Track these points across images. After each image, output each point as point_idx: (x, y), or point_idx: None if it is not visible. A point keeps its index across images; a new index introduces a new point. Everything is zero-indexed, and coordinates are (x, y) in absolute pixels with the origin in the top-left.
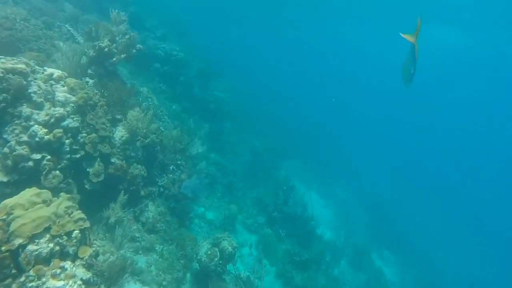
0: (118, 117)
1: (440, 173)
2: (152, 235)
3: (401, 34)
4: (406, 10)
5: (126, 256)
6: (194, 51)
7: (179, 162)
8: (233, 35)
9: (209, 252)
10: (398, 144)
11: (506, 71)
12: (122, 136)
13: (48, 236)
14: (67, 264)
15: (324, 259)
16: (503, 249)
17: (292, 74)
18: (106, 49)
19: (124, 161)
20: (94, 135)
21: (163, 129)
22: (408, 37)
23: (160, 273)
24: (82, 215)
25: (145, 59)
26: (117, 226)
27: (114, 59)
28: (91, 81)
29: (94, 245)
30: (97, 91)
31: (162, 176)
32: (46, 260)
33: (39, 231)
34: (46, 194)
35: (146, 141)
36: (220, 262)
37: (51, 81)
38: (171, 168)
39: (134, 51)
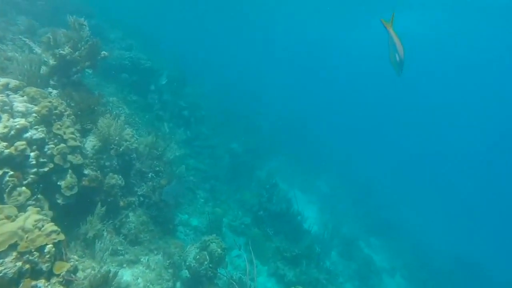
0: (88, 127)
1: (421, 158)
2: (136, 247)
3: (381, 20)
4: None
5: (109, 270)
6: (162, 60)
7: (157, 168)
8: (200, 40)
9: (198, 256)
10: (378, 134)
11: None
12: (94, 146)
13: (15, 253)
14: (41, 283)
15: (314, 252)
16: (488, 227)
17: (265, 72)
18: (68, 57)
19: (98, 171)
20: (62, 145)
21: (137, 137)
22: (385, 24)
23: (148, 285)
24: (55, 227)
25: (111, 70)
26: (96, 240)
27: (78, 67)
28: (54, 92)
29: (71, 260)
30: (62, 101)
31: (141, 185)
32: (13, 281)
33: (2, 249)
34: (10, 209)
35: (121, 149)
36: (211, 265)
37: (7, 92)
38: (149, 175)
39: (99, 57)
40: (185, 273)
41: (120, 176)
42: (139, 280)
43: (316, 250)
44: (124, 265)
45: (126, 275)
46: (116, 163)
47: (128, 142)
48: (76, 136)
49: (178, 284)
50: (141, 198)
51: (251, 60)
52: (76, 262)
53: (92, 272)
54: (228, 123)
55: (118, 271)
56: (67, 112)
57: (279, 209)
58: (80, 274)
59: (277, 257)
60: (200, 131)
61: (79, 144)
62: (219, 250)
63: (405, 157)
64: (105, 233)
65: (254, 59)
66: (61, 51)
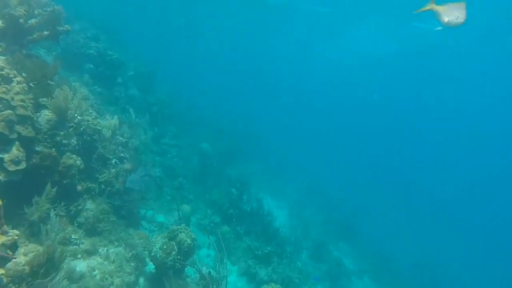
0: (43, 102)
1: (384, 164)
2: (94, 237)
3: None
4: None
5: (54, 246)
6: (130, 54)
7: (122, 155)
8: (170, 39)
9: (164, 246)
10: (344, 140)
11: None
12: (50, 120)
13: None
14: None
15: (286, 250)
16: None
17: (234, 76)
18: (21, 20)
19: (53, 149)
20: (9, 111)
21: (100, 121)
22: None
23: (106, 277)
24: None
25: (75, 59)
26: (42, 224)
27: (34, 36)
28: (1, 57)
29: (10, 234)
30: (11, 67)
31: (103, 171)
32: None
33: None
34: None
35: (81, 128)
36: (179, 257)
37: None
38: (113, 161)
39: (61, 29)
40: (150, 267)
41: (80, 158)
42: (96, 272)
43: (288, 249)
44: (79, 256)
45: (81, 266)
46: (75, 143)
47: (90, 122)
48: (28, 105)
49: (141, 279)
50: (103, 186)
51: (218, 67)
52: (16, 237)
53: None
54: (196, 123)
55: (65, 250)
56: (17, 78)
57: (249, 208)
58: (21, 259)
59: (248, 255)
60: (168, 129)
61: (31, 114)
62: (188, 240)
63: (367, 164)
64: (52, 214)
65: (221, 66)
66: (12, 12)
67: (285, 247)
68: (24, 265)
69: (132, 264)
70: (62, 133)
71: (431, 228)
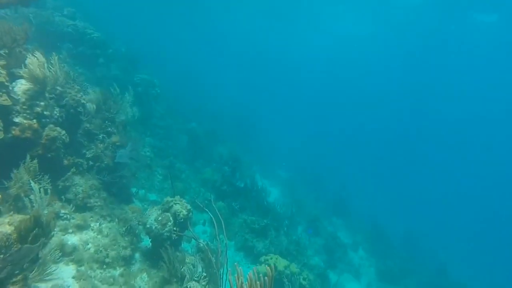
0: (18, 74)
1: (372, 143)
2: (85, 213)
3: None
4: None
5: (43, 210)
6: (111, 34)
7: (109, 129)
8: (154, 21)
9: (160, 218)
10: (329, 120)
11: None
12: (27, 90)
13: None
14: None
15: (283, 223)
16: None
17: (224, 62)
18: None
19: (34, 120)
20: None
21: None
22: None
23: (100, 249)
24: None
25: (51, 39)
26: (22, 195)
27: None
28: None
29: None
30: None
31: (91, 147)
32: None
33: None
34: None
35: (64, 100)
36: (175, 228)
37: None
38: (100, 136)
39: None
40: (146, 242)
41: (64, 131)
42: (89, 246)
43: (285, 222)
44: (70, 230)
45: (73, 240)
46: (58, 115)
47: (72, 94)
48: (0, 71)
49: (137, 254)
50: (91, 162)
51: (206, 51)
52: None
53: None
54: (183, 104)
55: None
56: None
57: (243, 184)
58: (6, 228)
59: (245, 230)
60: (154, 109)
61: (4, 81)
62: (184, 211)
63: (354, 141)
64: (34, 185)
65: (209, 50)
66: None
67: (281, 221)
68: (10, 233)
69: (126, 238)
70: (42, 103)
71: (420, 200)
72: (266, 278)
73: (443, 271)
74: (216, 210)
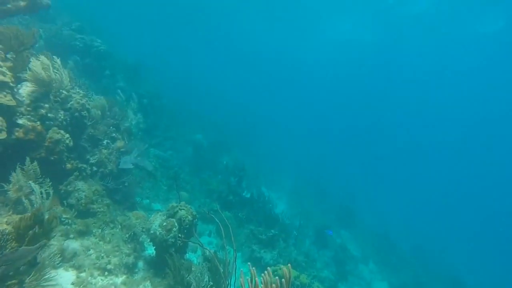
0: (24, 77)
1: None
2: (87, 219)
3: None
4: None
5: (44, 209)
6: (118, 46)
7: (114, 135)
8: (159, 33)
9: (164, 223)
10: (332, 130)
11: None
12: (32, 92)
13: None
14: None
15: (291, 233)
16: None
17: (225, 71)
18: None
19: (38, 122)
20: None
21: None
22: None
23: (102, 255)
24: None
25: (59, 51)
26: (23, 198)
27: (9, 5)
28: None
29: None
30: None
31: (95, 153)
32: None
33: None
34: None
35: (69, 103)
36: (180, 235)
37: None
38: (105, 142)
39: (39, 0)
40: (150, 251)
41: (68, 135)
42: (91, 252)
43: (293, 233)
44: (71, 236)
45: (74, 246)
46: (62, 118)
47: (77, 98)
48: (6, 73)
49: (140, 263)
50: (94, 168)
51: (210, 60)
52: None
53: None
54: (188, 116)
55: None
56: None
57: (249, 195)
58: (3, 227)
59: (252, 240)
60: (160, 120)
61: (9, 82)
62: (189, 217)
63: (359, 153)
64: (35, 186)
65: (212, 58)
66: None
67: (289, 232)
68: (9, 232)
69: (129, 245)
70: (46, 105)
71: (428, 210)
72: (283, 280)
73: (458, 282)
74: (224, 218)
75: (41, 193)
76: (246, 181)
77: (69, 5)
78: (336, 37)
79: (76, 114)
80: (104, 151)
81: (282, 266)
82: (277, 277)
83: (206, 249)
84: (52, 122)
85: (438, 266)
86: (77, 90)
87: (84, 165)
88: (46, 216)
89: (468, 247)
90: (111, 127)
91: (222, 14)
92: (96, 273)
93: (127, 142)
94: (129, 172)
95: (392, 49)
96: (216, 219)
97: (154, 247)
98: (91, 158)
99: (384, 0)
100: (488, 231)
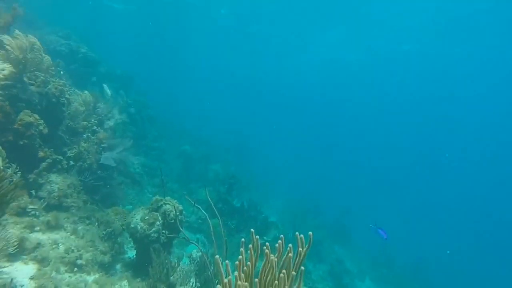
0: None
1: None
2: (59, 212)
3: None
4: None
5: None
6: (105, 56)
7: (95, 128)
8: (148, 46)
9: (146, 217)
10: (323, 145)
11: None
12: (3, 69)
13: None
14: None
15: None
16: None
17: (216, 89)
18: None
19: (7, 102)
20: None
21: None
22: None
23: (72, 249)
24: None
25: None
26: None
27: None
28: None
29: None
30: None
31: (73, 146)
32: None
33: None
34: None
35: (46, 88)
36: (164, 231)
37: None
38: (85, 136)
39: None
40: (131, 254)
41: (43, 121)
42: (59, 246)
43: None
44: (37, 229)
45: (38, 237)
46: (37, 101)
47: (56, 83)
48: None
49: (118, 265)
50: (71, 162)
51: (195, 73)
52: None
53: None
54: (176, 127)
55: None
56: None
57: (239, 204)
58: None
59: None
60: (148, 131)
61: None
62: (175, 211)
63: (350, 166)
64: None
65: (197, 72)
66: None
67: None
68: None
69: (106, 244)
70: (19, 85)
71: (422, 224)
72: (300, 249)
73: None
74: (216, 211)
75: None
76: (236, 190)
77: (61, 18)
78: (326, 56)
79: (53, 100)
80: (84, 144)
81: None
82: (290, 244)
83: (194, 243)
84: (24, 104)
85: (438, 283)
86: (60, 78)
87: (60, 157)
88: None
89: (467, 260)
90: (93, 120)
91: (211, 29)
92: (62, 268)
93: (110, 138)
94: (111, 172)
95: (385, 66)
96: (204, 212)
97: (135, 246)
98: (68, 152)
99: (369, 15)
100: (489, 243)
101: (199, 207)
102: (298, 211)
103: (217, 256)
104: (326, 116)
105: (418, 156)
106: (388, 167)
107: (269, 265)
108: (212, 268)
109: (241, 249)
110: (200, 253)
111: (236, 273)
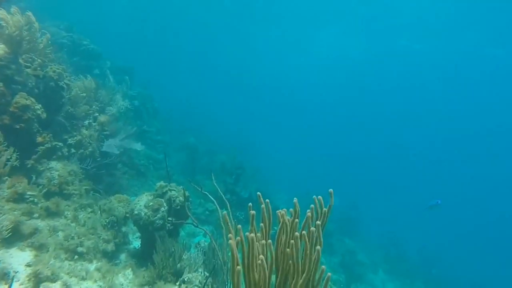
0: None
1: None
2: (59, 199)
3: None
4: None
5: None
6: (108, 49)
7: (96, 114)
8: (153, 38)
9: (151, 203)
10: (326, 138)
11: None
12: None
13: None
14: None
15: None
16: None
17: (211, 78)
18: None
19: (1, 83)
20: None
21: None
22: None
23: (73, 236)
24: None
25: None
26: None
27: None
28: None
29: None
30: None
31: (73, 134)
32: None
33: None
34: None
35: (44, 71)
36: (170, 218)
37: None
38: (86, 122)
39: None
40: (136, 242)
41: (40, 106)
42: (59, 233)
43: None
44: (36, 215)
45: (36, 223)
46: (33, 84)
47: (54, 67)
48: None
49: (122, 255)
50: (73, 150)
51: (197, 65)
52: None
53: None
54: (183, 121)
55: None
56: None
57: (247, 195)
58: None
59: None
60: (152, 123)
61: None
62: (180, 197)
63: (355, 159)
64: None
65: (200, 65)
66: None
67: None
68: None
69: (109, 232)
70: (13, 66)
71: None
72: (324, 209)
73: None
74: (225, 200)
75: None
76: (243, 181)
77: (62, 12)
78: (327, 54)
79: (52, 83)
80: (85, 131)
81: None
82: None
83: (202, 228)
84: (19, 87)
85: (453, 272)
86: (59, 64)
87: (60, 144)
88: None
89: (482, 249)
90: (95, 107)
91: (215, 25)
92: (63, 255)
93: (113, 124)
94: (114, 160)
95: (386, 64)
96: (211, 198)
97: (139, 234)
98: (69, 139)
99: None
100: (502, 232)
101: (206, 193)
102: (304, 205)
103: (224, 212)
104: (331, 110)
105: (420, 151)
106: (392, 161)
107: (286, 226)
108: (221, 255)
109: (251, 211)
110: (208, 243)
111: (247, 233)
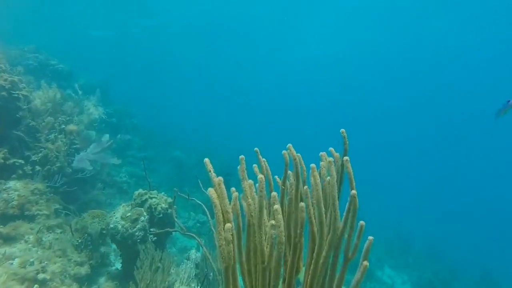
0: None
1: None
2: (20, 222)
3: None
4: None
5: None
6: (79, 67)
7: (63, 126)
8: (127, 56)
9: (128, 214)
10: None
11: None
12: None
13: None
14: None
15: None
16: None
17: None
18: None
19: None
20: None
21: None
22: None
23: (32, 262)
24: None
25: None
26: None
27: None
28: None
29: None
30: None
31: (37, 150)
32: None
33: None
34: None
35: None
36: (152, 229)
37: None
38: (52, 136)
39: None
40: (118, 263)
41: None
42: (15, 260)
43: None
44: None
45: None
46: None
47: (6, 75)
48: None
49: (102, 279)
50: (37, 167)
51: (179, 81)
52: None
53: None
54: (166, 136)
55: None
56: None
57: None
58: None
59: None
60: (132, 141)
61: None
62: (162, 204)
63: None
64: None
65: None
66: None
67: None
68: None
69: (84, 251)
70: None
71: (437, 205)
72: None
73: (488, 276)
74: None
75: None
76: (233, 186)
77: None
78: (311, 52)
79: (3, 93)
80: (51, 146)
81: None
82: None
83: (193, 235)
84: None
85: (461, 261)
86: (11, 74)
87: (20, 161)
88: None
89: (494, 237)
90: (61, 119)
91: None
92: (17, 286)
93: (83, 138)
94: (89, 176)
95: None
96: (198, 202)
97: (120, 253)
98: (33, 155)
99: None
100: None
101: (194, 198)
102: None
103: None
104: (321, 112)
105: (418, 144)
106: (391, 155)
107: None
108: (215, 266)
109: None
110: (200, 253)
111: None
